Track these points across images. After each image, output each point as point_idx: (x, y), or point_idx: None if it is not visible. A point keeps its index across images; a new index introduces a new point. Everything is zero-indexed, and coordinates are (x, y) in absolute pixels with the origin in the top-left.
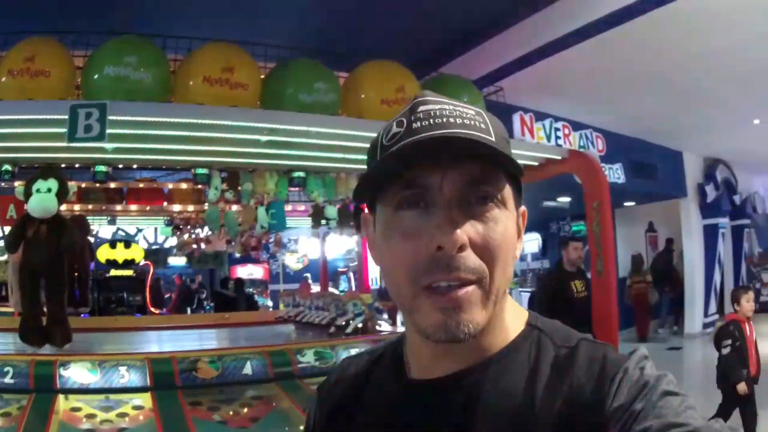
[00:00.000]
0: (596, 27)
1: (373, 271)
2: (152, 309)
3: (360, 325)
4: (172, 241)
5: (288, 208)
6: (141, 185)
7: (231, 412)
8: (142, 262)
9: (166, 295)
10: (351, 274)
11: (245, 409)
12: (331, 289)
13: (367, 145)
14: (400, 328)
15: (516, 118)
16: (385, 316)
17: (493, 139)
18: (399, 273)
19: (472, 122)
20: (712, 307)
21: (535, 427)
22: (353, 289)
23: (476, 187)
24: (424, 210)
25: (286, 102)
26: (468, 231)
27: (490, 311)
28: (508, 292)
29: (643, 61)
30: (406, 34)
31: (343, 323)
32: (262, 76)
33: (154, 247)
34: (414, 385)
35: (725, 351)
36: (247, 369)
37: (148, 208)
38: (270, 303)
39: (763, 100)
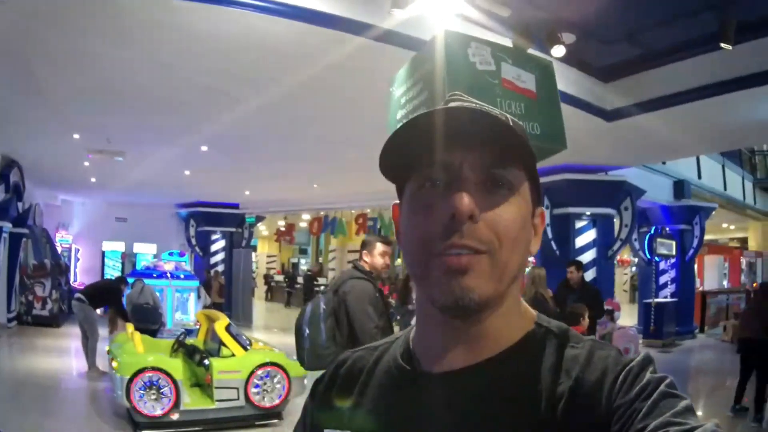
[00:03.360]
0: None
1: None
2: None
3: None
4: None
5: None
6: None
7: None
8: None
9: None
10: None
11: None
12: None
13: None
14: None
15: None
16: None
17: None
18: (414, 242)
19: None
20: None
21: (543, 422)
22: None
23: (494, 172)
24: (443, 188)
25: None
26: (482, 206)
27: (499, 288)
28: (518, 286)
29: None
30: None
31: None
32: None
33: None
34: (426, 377)
35: None
36: None
37: None
38: None
39: (79, 119)
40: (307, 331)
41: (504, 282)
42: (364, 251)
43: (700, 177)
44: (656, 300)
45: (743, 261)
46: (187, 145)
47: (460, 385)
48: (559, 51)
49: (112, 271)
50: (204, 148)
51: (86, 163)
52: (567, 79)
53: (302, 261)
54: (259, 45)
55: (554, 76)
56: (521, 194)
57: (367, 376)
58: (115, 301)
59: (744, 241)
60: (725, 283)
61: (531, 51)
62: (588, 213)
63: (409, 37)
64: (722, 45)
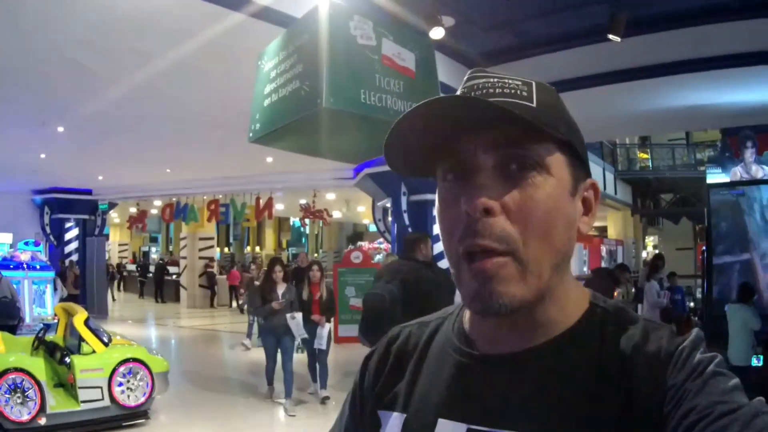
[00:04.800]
0: None
1: None
2: None
3: None
4: None
5: None
6: None
7: None
8: None
9: None
10: None
11: None
12: None
13: None
14: None
15: None
16: None
17: (533, 105)
18: (445, 242)
19: (514, 91)
20: None
21: (601, 404)
22: None
23: (511, 152)
24: (464, 179)
25: None
26: (500, 197)
27: (537, 285)
28: (569, 267)
29: None
30: None
31: None
32: None
33: None
34: (484, 359)
35: None
36: None
37: None
38: None
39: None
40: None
41: (543, 277)
42: (421, 245)
43: None
44: None
45: (603, 249)
46: (43, 126)
47: (517, 369)
48: (438, 33)
49: None
50: (60, 129)
51: None
52: (439, 67)
53: (153, 249)
54: (129, 16)
55: (434, 56)
56: (553, 171)
57: (420, 354)
58: None
59: (603, 230)
60: (585, 269)
61: (411, 31)
62: None
63: (285, 15)
64: (610, 37)
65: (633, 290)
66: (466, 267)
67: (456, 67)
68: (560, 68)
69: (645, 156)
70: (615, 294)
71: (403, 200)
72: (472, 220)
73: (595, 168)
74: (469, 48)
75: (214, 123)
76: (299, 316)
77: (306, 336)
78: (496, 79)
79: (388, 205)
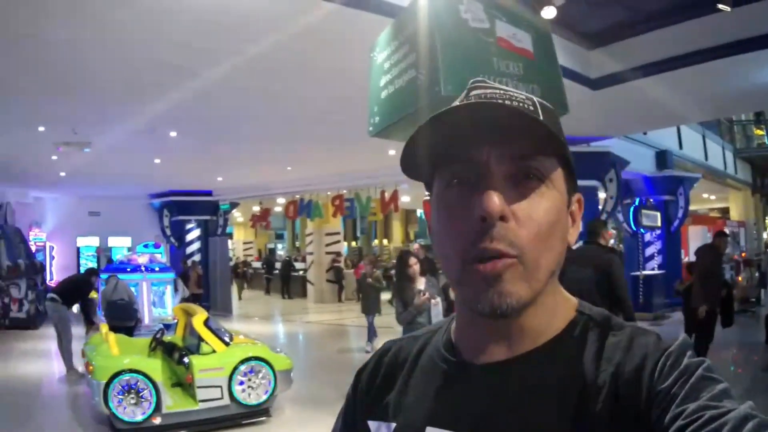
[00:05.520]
0: None
1: None
2: None
3: None
4: None
5: None
6: None
7: None
8: None
9: None
10: None
11: None
12: None
13: None
14: None
15: None
16: None
17: (541, 118)
18: (448, 246)
19: (521, 104)
20: None
21: (586, 411)
22: None
23: (523, 164)
24: (473, 185)
25: None
26: (512, 204)
27: (536, 288)
28: (557, 278)
29: None
30: None
31: None
32: None
33: None
34: (470, 368)
35: None
36: None
37: None
38: None
39: (41, 110)
40: None
41: (541, 281)
42: (602, 231)
43: (681, 147)
44: (644, 272)
45: (726, 231)
46: (155, 132)
47: (503, 377)
48: (549, 12)
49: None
50: (173, 134)
51: (54, 157)
52: None
53: (279, 246)
54: (222, 13)
55: (551, 35)
56: (554, 184)
57: (410, 366)
58: (87, 294)
59: (725, 211)
60: None
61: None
62: None
63: (385, 3)
64: (720, 7)
65: (757, 274)
66: (473, 270)
67: (569, 48)
68: (674, 43)
69: (761, 132)
70: (739, 279)
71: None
72: (488, 225)
73: (714, 147)
74: (579, 26)
75: (330, 119)
76: (440, 302)
77: None
78: (501, 91)
79: None
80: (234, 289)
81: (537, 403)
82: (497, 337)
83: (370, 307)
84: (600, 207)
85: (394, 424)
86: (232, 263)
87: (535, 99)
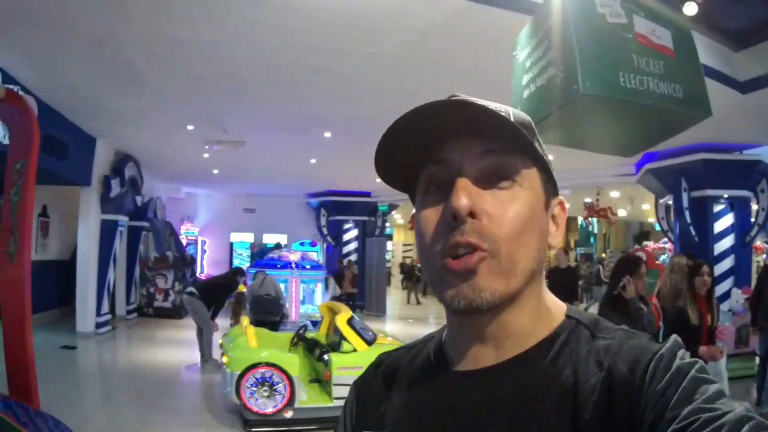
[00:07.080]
0: None
1: None
2: None
3: None
4: None
5: None
6: None
7: None
8: None
9: None
10: None
11: None
12: None
13: None
14: None
15: None
16: None
17: (513, 122)
18: (427, 246)
19: (495, 109)
20: (105, 307)
21: (577, 416)
22: None
23: (497, 162)
24: (448, 187)
25: None
26: (483, 202)
27: (514, 284)
28: (543, 281)
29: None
30: None
31: None
32: None
33: None
34: (457, 375)
35: None
36: None
37: None
38: None
39: (189, 109)
40: None
41: (516, 278)
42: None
43: None
44: None
45: None
46: (309, 132)
47: (490, 383)
48: (691, 9)
49: (241, 263)
50: (327, 135)
51: (205, 155)
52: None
53: None
54: (362, 12)
55: (691, 33)
56: (529, 186)
57: (403, 376)
58: (224, 299)
59: None
60: None
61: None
62: (725, 196)
63: (530, 2)
64: None
65: None
66: (448, 267)
67: (713, 48)
68: None
69: None
70: None
71: (684, 197)
72: (460, 222)
73: None
74: (722, 24)
75: None
76: None
77: None
78: (478, 102)
79: (670, 202)
80: (392, 290)
81: (526, 410)
82: (483, 340)
83: None
84: (752, 219)
85: None
86: (404, 265)
87: (511, 110)
